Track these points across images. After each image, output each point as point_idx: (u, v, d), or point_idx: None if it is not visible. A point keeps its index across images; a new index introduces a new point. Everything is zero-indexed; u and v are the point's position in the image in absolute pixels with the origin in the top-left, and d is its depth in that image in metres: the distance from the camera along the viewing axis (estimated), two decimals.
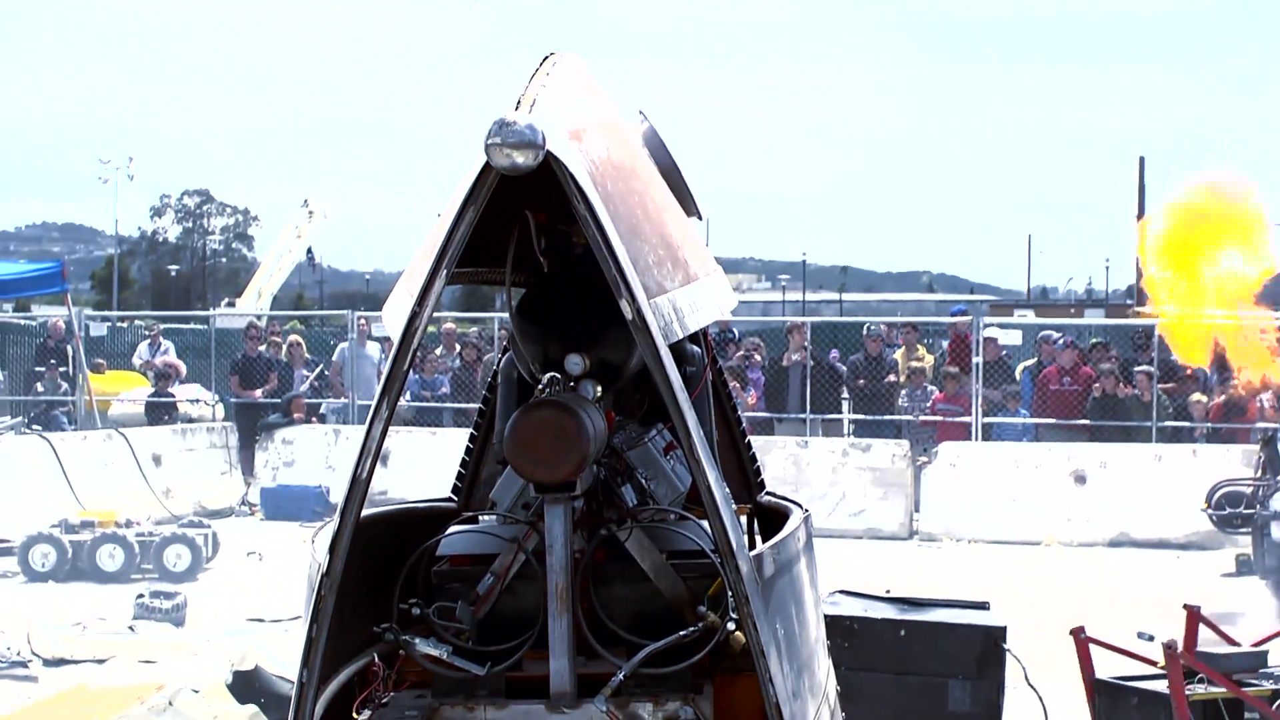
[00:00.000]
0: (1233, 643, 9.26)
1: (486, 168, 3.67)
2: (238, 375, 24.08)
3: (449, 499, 5.66)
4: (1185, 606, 9.25)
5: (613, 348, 4.41)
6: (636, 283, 3.79)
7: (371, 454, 3.91)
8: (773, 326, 27.24)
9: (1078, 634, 9.21)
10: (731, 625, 4.15)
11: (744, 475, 5.89)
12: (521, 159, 3.63)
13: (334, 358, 24.35)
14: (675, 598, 4.30)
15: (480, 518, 4.87)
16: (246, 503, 21.75)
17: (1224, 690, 8.63)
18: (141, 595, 13.24)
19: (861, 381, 21.56)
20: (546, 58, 4.14)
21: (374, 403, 3.88)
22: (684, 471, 4.69)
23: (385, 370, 3.91)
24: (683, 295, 4.19)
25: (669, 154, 5.01)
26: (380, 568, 4.43)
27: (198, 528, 17.02)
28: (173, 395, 24.48)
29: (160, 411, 24.08)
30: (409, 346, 3.85)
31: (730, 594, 4.01)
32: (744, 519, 5.72)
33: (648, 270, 3.98)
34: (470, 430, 5.88)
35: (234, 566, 16.80)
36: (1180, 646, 8.63)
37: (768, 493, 5.93)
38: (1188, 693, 8.56)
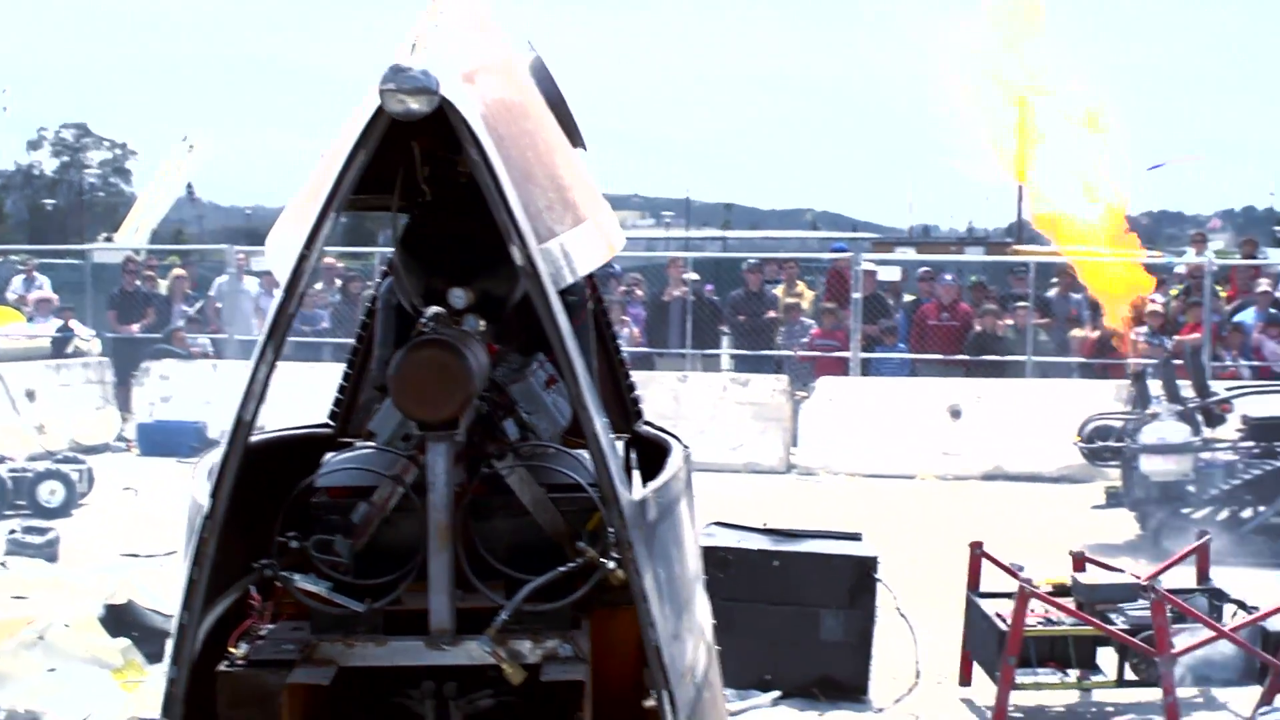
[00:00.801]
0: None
1: (379, 112, 3.67)
2: (115, 310, 23.76)
3: (325, 424, 5.65)
4: (1071, 553, 9.50)
5: (496, 279, 4.41)
6: (528, 229, 3.81)
7: (257, 396, 3.90)
8: (656, 263, 27.23)
9: (975, 547, 9.42)
10: (611, 564, 4.19)
11: (622, 405, 5.93)
12: (416, 105, 3.64)
13: (211, 292, 24.08)
14: (555, 532, 4.32)
15: (357, 444, 4.87)
16: (122, 438, 21.52)
17: (1076, 624, 8.87)
18: (14, 530, 13.10)
19: (742, 318, 21.69)
20: None
21: (259, 345, 3.86)
22: (565, 405, 4.72)
23: (272, 312, 3.88)
24: (572, 238, 4.21)
25: (555, 85, 5.00)
26: (255, 495, 4.41)
27: (73, 463, 16.82)
28: (72, 331, 24.04)
29: (63, 345, 23.64)
30: (297, 288, 3.83)
31: (610, 530, 4.05)
32: (621, 447, 5.77)
33: (539, 215, 4.00)
34: (349, 354, 5.86)
35: (109, 502, 16.64)
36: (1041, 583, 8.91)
37: (645, 422, 5.98)
38: (1046, 627, 8.82)
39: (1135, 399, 16.04)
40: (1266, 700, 8.58)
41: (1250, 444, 14.73)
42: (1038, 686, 8.87)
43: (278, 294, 3.88)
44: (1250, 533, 14.16)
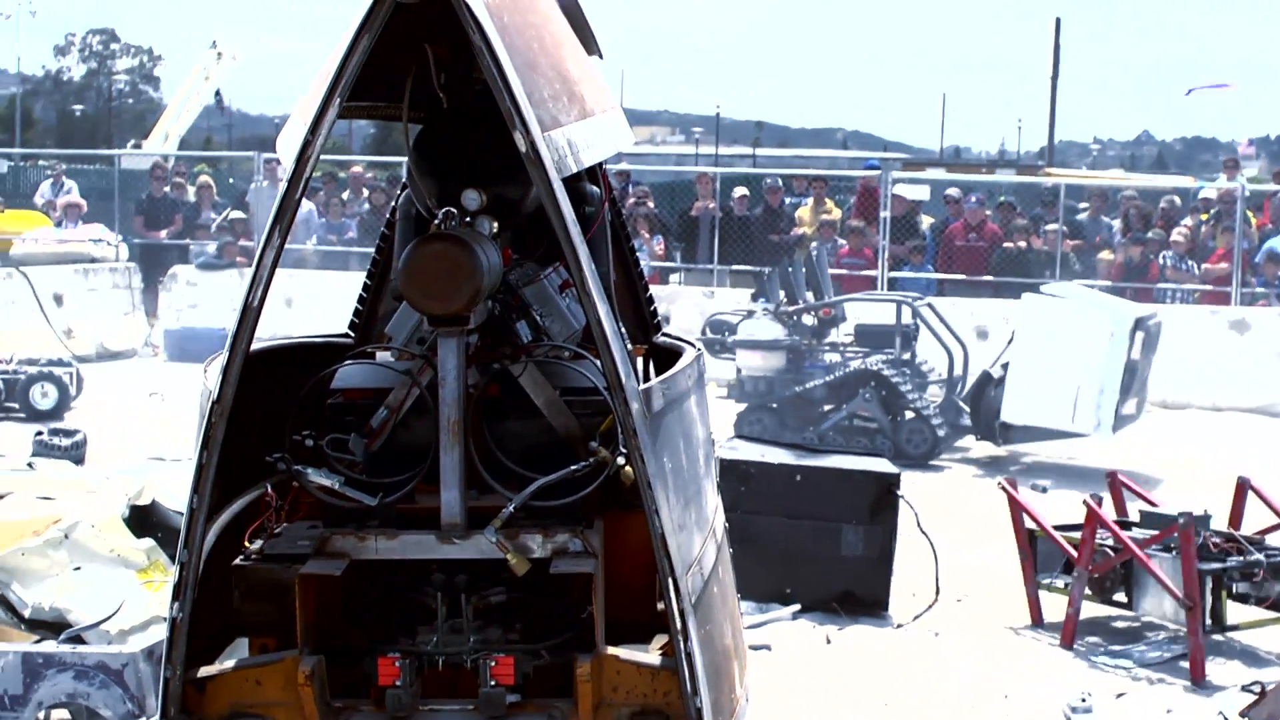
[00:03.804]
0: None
1: None
2: (142, 216, 23.80)
3: (346, 334, 5.67)
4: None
5: (509, 184, 4.41)
6: (531, 116, 3.79)
7: (263, 282, 3.92)
8: (686, 179, 27.08)
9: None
10: (621, 460, 4.20)
11: (640, 317, 5.91)
12: None
13: (248, 198, 24.05)
14: (568, 433, 4.35)
15: (375, 352, 4.89)
16: (149, 344, 21.61)
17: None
18: (40, 433, 13.18)
19: (775, 237, 21.50)
20: None
21: (265, 231, 3.88)
22: (579, 310, 4.70)
23: (278, 199, 3.90)
24: (578, 130, 4.19)
25: None
26: (275, 400, 4.44)
27: (62, 366, 16.83)
28: (102, 238, 24.02)
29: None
30: (302, 175, 3.85)
31: (620, 428, 4.06)
32: (640, 360, 5.77)
33: (543, 104, 3.98)
34: (369, 266, 5.88)
35: (136, 407, 16.73)
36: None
37: (664, 334, 5.97)
38: None
39: (755, 298, 16.45)
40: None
41: (857, 349, 15.20)
42: (1049, 588, 9.01)
43: (282, 181, 3.90)
44: (828, 430, 14.36)
